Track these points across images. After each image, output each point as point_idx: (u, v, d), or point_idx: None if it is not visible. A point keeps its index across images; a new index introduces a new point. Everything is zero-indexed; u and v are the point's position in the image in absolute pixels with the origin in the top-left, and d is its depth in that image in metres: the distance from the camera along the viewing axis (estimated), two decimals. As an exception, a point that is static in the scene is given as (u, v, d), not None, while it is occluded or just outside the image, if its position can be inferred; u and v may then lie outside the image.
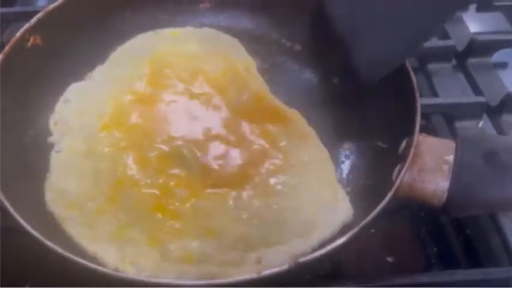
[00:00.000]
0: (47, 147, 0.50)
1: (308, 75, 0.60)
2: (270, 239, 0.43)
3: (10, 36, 0.52)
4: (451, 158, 0.42)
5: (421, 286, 0.44)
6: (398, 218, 0.59)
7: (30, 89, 0.52)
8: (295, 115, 0.53)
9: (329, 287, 0.42)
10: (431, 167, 0.42)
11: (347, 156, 0.53)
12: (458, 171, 0.41)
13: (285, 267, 0.35)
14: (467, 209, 0.41)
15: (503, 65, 0.73)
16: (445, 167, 0.42)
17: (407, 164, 0.42)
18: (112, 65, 0.57)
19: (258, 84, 0.56)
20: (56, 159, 0.48)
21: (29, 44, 0.52)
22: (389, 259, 0.54)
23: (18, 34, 0.51)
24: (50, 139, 0.50)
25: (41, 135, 0.50)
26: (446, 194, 0.41)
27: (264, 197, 0.45)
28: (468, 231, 0.56)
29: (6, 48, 0.49)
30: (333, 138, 0.53)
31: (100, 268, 0.36)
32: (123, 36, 0.59)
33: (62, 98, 0.53)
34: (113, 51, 0.58)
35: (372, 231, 0.57)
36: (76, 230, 0.43)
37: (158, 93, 0.53)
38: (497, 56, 0.70)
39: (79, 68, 0.56)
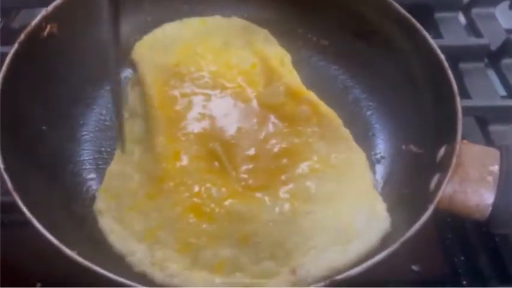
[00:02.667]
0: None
1: (335, 72, 0.58)
2: (306, 247, 0.41)
3: (23, 23, 0.50)
4: (495, 168, 0.39)
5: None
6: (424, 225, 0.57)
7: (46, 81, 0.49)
8: (331, 114, 0.50)
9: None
10: (474, 177, 0.39)
11: (377, 161, 0.50)
12: (505, 183, 0.38)
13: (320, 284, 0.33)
14: (512, 226, 0.39)
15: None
16: (490, 178, 0.39)
17: (449, 173, 0.39)
18: (140, 51, 0.54)
19: (292, 78, 0.53)
20: None
21: (45, 33, 0.49)
22: (414, 267, 0.51)
23: (34, 22, 0.48)
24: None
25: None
26: (490, 209, 0.38)
27: (301, 202, 0.43)
28: (497, 239, 0.54)
29: (22, 36, 0.46)
30: (364, 140, 0.51)
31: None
32: (144, 26, 0.56)
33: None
34: (136, 41, 0.55)
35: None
36: (107, 224, 0.41)
37: (187, 86, 0.51)
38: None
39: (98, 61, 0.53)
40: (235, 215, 0.42)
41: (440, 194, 0.38)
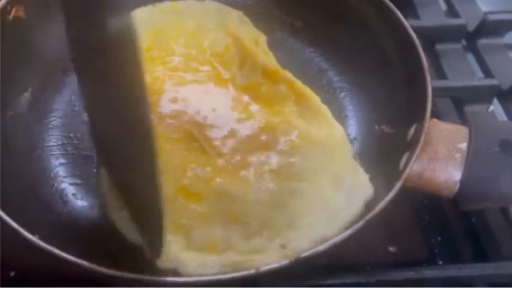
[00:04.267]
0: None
1: (310, 55, 0.57)
2: (294, 222, 0.41)
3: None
4: (464, 146, 0.39)
5: (426, 280, 0.42)
6: (400, 205, 0.57)
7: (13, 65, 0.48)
8: (308, 92, 0.50)
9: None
10: (443, 155, 0.39)
11: (350, 141, 0.50)
12: (472, 161, 0.38)
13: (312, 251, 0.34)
14: (480, 202, 0.39)
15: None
16: (458, 156, 0.39)
17: (417, 151, 0.39)
18: None
19: (267, 58, 0.53)
20: None
21: (11, 16, 0.48)
22: (391, 249, 0.51)
23: (-1, 5, 0.47)
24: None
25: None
26: (458, 185, 0.38)
27: (285, 179, 0.44)
28: (473, 220, 0.54)
29: (-14, 20, 0.45)
30: (337, 121, 0.50)
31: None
32: (116, 11, 0.55)
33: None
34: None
35: (374, 220, 0.55)
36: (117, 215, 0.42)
37: (159, 70, 0.50)
38: (509, 37, 0.67)
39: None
40: (222, 194, 0.42)
41: (407, 171, 0.38)
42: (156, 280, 0.34)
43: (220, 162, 0.44)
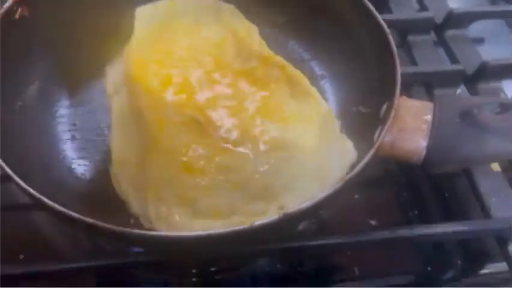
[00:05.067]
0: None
1: (293, 46, 0.62)
2: (290, 187, 0.45)
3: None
4: (429, 117, 0.44)
5: (400, 239, 0.47)
6: (381, 185, 0.63)
7: (20, 61, 0.52)
8: (299, 74, 0.55)
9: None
10: (411, 126, 0.44)
11: (332, 121, 0.55)
12: (436, 130, 0.43)
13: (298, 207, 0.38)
14: (444, 165, 0.44)
15: (480, 40, 0.76)
16: (424, 127, 0.44)
17: (388, 124, 0.44)
18: None
19: (261, 47, 0.58)
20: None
21: (17, 15, 0.52)
22: (372, 222, 0.56)
23: (6, 6, 0.51)
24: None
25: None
26: (425, 152, 0.43)
27: (280, 150, 0.48)
28: (446, 195, 0.60)
29: (-4, 18, 0.49)
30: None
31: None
32: (117, 10, 0.59)
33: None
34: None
35: (356, 196, 0.60)
36: (123, 188, 0.46)
37: (163, 61, 0.55)
38: (475, 32, 0.73)
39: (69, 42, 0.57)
40: (223, 168, 0.47)
41: (379, 140, 0.43)
42: (155, 235, 0.38)
43: (221, 140, 0.48)
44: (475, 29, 0.76)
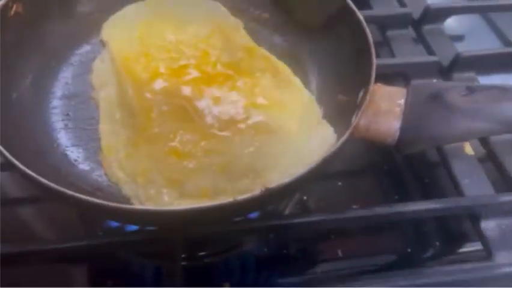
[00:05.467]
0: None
1: (277, 40, 0.65)
2: (273, 168, 0.48)
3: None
4: (402, 101, 0.47)
5: (378, 217, 0.50)
6: (364, 173, 0.66)
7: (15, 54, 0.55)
8: (283, 66, 0.58)
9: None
10: (385, 110, 0.47)
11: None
12: (408, 112, 0.46)
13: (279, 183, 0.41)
14: (417, 145, 0.47)
15: (460, 37, 0.80)
16: (397, 110, 0.47)
17: (363, 108, 0.47)
18: (108, 30, 0.62)
19: (246, 40, 0.61)
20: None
21: (12, 11, 0.55)
22: (354, 207, 0.59)
23: (1, 3, 0.54)
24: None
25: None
26: (398, 133, 0.46)
27: (264, 135, 0.50)
28: (426, 180, 0.63)
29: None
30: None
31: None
32: (107, 7, 0.63)
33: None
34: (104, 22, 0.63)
35: (339, 184, 0.63)
36: (115, 173, 0.49)
37: (151, 53, 0.57)
38: (455, 29, 0.77)
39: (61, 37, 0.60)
40: (209, 152, 0.49)
41: (355, 123, 0.46)
42: (147, 210, 0.40)
43: (206, 126, 0.51)
44: (455, 25, 0.80)
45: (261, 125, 0.51)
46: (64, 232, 0.56)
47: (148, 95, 0.53)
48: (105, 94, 0.55)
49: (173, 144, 0.49)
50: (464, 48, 0.69)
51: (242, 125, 0.51)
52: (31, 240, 0.51)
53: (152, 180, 0.47)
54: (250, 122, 0.51)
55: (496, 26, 0.83)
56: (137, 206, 0.39)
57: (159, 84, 0.54)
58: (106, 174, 0.50)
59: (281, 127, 0.51)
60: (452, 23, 0.80)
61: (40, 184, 0.40)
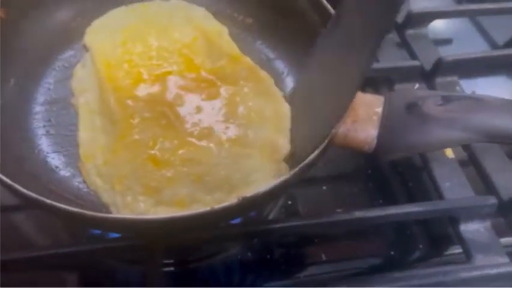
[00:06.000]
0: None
1: (259, 46, 0.66)
2: (248, 181, 0.48)
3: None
4: (380, 109, 0.48)
5: (358, 220, 0.51)
6: (348, 178, 0.66)
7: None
8: (265, 75, 0.58)
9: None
10: (363, 118, 0.48)
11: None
12: (385, 121, 0.47)
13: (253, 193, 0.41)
14: (393, 152, 0.47)
15: (448, 41, 0.81)
16: (375, 118, 0.47)
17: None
18: (91, 35, 0.62)
19: (231, 47, 0.61)
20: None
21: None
22: (339, 211, 0.59)
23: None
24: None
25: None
26: (375, 141, 0.47)
27: (240, 147, 0.51)
28: (410, 184, 0.64)
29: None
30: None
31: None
32: (90, 12, 0.63)
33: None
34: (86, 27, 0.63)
35: (324, 188, 0.64)
36: (93, 180, 0.49)
37: (134, 60, 0.58)
38: (443, 33, 0.78)
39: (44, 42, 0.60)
40: (187, 161, 0.49)
41: (334, 131, 0.46)
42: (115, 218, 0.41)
43: (186, 134, 0.51)
44: (443, 29, 0.80)
45: (239, 138, 0.52)
46: (51, 239, 0.57)
47: (129, 102, 0.53)
48: (84, 100, 0.56)
49: (152, 152, 0.49)
50: (452, 52, 0.70)
51: (220, 136, 0.51)
52: (16, 247, 0.51)
53: (129, 187, 0.47)
54: (228, 133, 0.52)
55: (484, 30, 0.84)
56: (115, 214, 0.40)
57: (141, 90, 0.54)
58: (84, 182, 0.50)
59: (257, 140, 0.52)
60: (440, 27, 0.81)
61: (19, 193, 0.40)
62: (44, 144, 0.53)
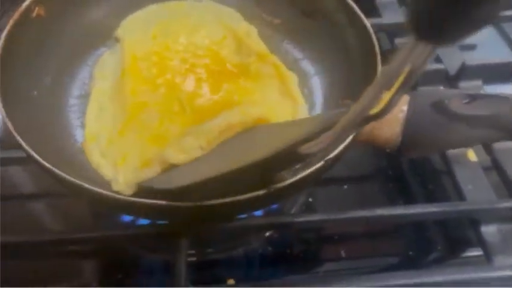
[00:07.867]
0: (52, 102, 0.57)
1: (287, 46, 0.67)
2: None
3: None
4: (405, 108, 0.49)
5: (379, 218, 0.51)
6: (370, 178, 0.67)
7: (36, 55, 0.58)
8: (290, 75, 0.59)
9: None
10: (388, 116, 0.48)
11: (317, 114, 0.60)
12: (411, 118, 0.48)
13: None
14: (418, 150, 0.48)
15: (472, 47, 0.81)
16: (400, 116, 0.48)
17: (368, 113, 0.48)
18: (124, 28, 0.64)
19: (259, 46, 0.62)
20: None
21: (34, 14, 0.57)
22: (358, 209, 0.60)
23: (24, 4, 0.56)
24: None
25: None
26: (400, 138, 0.48)
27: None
28: (430, 187, 0.64)
29: (16, 15, 0.54)
30: (307, 99, 0.60)
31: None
32: (127, 8, 0.65)
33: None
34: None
35: (345, 187, 0.65)
36: (96, 159, 0.51)
37: (162, 52, 0.59)
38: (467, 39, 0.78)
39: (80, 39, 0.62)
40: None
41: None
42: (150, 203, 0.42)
43: (195, 120, 0.51)
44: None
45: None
46: (74, 226, 0.59)
47: (146, 89, 0.54)
48: (100, 86, 0.57)
49: (157, 132, 0.50)
50: (475, 57, 0.70)
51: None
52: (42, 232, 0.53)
53: (129, 163, 0.48)
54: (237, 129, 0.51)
55: (508, 36, 0.84)
56: (148, 200, 0.41)
57: (161, 80, 0.55)
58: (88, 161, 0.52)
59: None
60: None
61: (59, 178, 0.42)
62: (79, 135, 0.56)
